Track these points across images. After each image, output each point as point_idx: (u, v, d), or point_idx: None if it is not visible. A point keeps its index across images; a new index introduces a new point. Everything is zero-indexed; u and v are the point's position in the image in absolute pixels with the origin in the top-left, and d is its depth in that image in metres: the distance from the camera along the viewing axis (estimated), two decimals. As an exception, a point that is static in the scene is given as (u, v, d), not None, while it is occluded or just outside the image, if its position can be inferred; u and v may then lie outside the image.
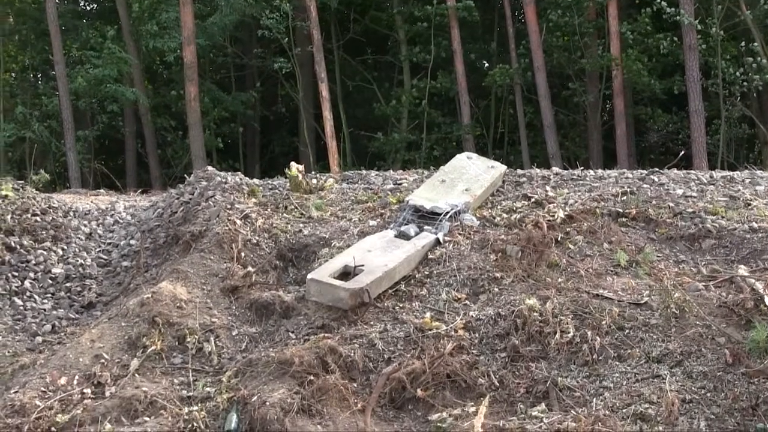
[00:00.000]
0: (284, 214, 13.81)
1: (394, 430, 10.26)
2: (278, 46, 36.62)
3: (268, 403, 10.10)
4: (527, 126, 37.04)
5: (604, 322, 11.07)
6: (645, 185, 14.43)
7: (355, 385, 10.63)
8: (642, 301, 11.57)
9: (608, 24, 34.43)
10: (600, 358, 10.75)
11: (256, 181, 15.25)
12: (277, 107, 40.97)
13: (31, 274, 13.27)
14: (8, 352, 11.86)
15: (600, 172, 16.01)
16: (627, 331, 11.07)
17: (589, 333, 10.94)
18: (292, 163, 15.47)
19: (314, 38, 34.33)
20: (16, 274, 13.22)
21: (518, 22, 37.76)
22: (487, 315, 11.45)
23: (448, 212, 13.04)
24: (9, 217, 13.73)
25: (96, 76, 34.23)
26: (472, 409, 10.28)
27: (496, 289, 11.90)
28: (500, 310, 11.47)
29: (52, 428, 10.12)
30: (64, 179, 34.16)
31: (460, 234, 12.86)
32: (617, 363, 10.69)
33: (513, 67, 36.56)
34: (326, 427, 10.06)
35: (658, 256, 12.83)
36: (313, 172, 17.17)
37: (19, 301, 12.81)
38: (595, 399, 10.21)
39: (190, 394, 10.75)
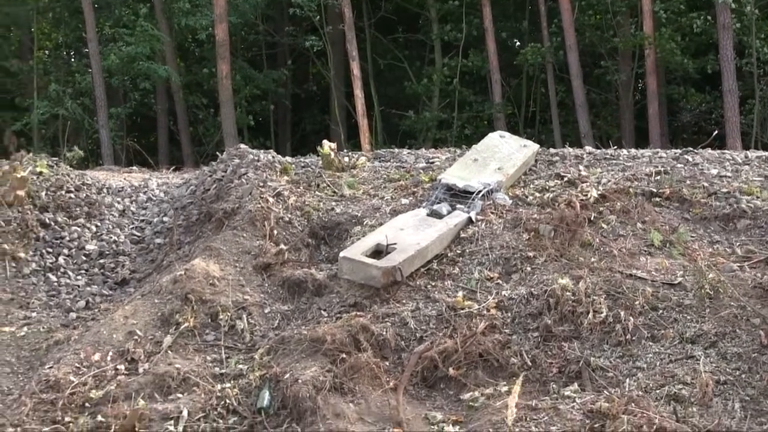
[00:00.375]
0: (316, 192, 13.79)
1: (426, 409, 10.27)
2: (309, 24, 36.61)
3: (300, 381, 10.09)
4: (559, 105, 36.94)
5: (637, 302, 11.02)
6: (679, 165, 14.34)
7: (387, 363, 10.62)
8: (676, 282, 11.51)
9: (641, 2, 34.22)
10: (633, 338, 10.71)
11: (288, 159, 15.23)
12: (309, 85, 40.98)
13: (65, 251, 13.32)
14: (43, 327, 11.91)
15: (633, 151, 15.90)
16: (660, 311, 11.02)
17: (622, 313, 10.90)
18: (325, 141, 15.43)
19: (346, 16, 34.27)
20: (51, 250, 13.27)
21: (550, 0, 37.56)
22: (520, 294, 11.42)
23: (480, 191, 13.00)
24: (44, 193, 13.78)
25: (129, 54, 34.31)
26: (505, 388, 10.25)
27: (529, 269, 11.86)
28: (533, 289, 11.44)
29: (86, 404, 10.16)
30: (97, 156, 34.21)
31: (492, 213, 12.82)
32: (651, 343, 10.65)
33: (545, 46, 36.45)
34: (358, 405, 10.05)
35: (692, 237, 12.76)
36: (345, 151, 17.13)
37: (53, 278, 12.87)
38: (628, 379, 10.18)
39: (223, 371, 10.77)
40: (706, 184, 13.99)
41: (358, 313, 11.23)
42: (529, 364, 10.57)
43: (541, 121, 39.38)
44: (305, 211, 13.22)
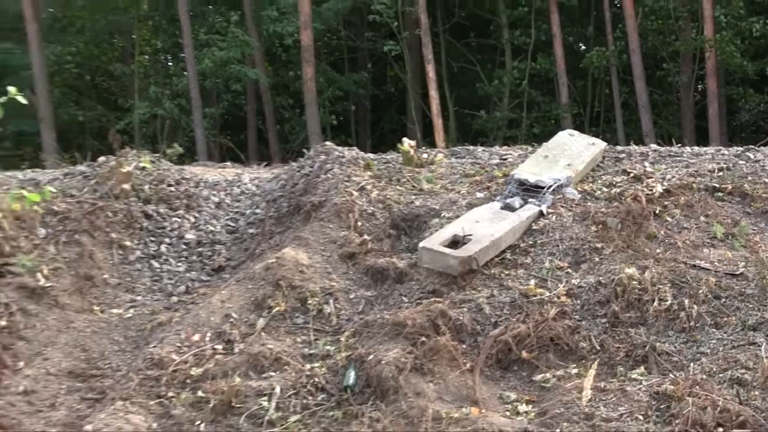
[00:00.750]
0: (397, 187, 13.77)
1: (500, 389, 10.23)
2: (388, 30, 36.62)
3: (383, 362, 10.09)
4: (622, 105, 36.71)
5: (700, 291, 10.95)
6: (741, 162, 14.18)
7: (464, 346, 10.59)
8: (738, 272, 11.41)
9: (702, 8, 33.93)
10: (697, 325, 10.64)
11: (370, 155, 15.20)
12: (387, 87, 40.98)
13: (167, 240, 13.40)
14: (147, 310, 12.01)
15: (696, 149, 15.74)
16: (723, 299, 10.95)
17: (686, 301, 10.82)
18: (405, 139, 15.41)
19: (422, 22, 34.26)
20: (154, 239, 13.35)
21: (614, 6, 37.35)
22: (589, 283, 11.35)
23: (551, 186, 12.92)
24: (147, 187, 13.86)
25: (221, 58, 34.54)
26: (575, 371, 10.22)
27: (597, 259, 11.78)
28: (601, 278, 11.36)
29: (187, 380, 10.21)
30: (192, 153, 34.36)
31: (562, 206, 12.75)
32: (714, 330, 10.59)
33: (609, 50, 36.25)
34: (437, 385, 10.03)
35: (753, 229, 12.66)
36: (422, 148, 17.07)
37: (156, 264, 12.96)
38: (692, 364, 10.11)
39: (312, 351, 10.79)
40: (767, 180, 13.84)
41: (437, 300, 11.20)
42: (598, 348, 10.51)
43: (605, 120, 39.12)
44: (387, 204, 13.20)
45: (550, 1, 35.64)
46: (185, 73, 36.19)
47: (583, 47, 38.93)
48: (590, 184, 13.45)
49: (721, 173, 13.71)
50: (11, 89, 6.33)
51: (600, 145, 14.47)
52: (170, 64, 39.60)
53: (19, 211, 12.15)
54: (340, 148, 14.91)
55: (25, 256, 12.03)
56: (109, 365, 11.04)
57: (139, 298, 12.33)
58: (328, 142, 15.66)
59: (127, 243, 13.10)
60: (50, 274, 12.00)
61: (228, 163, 19.62)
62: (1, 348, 10.82)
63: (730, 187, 13.30)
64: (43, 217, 12.48)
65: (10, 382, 10.58)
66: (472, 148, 16.02)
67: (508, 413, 9.75)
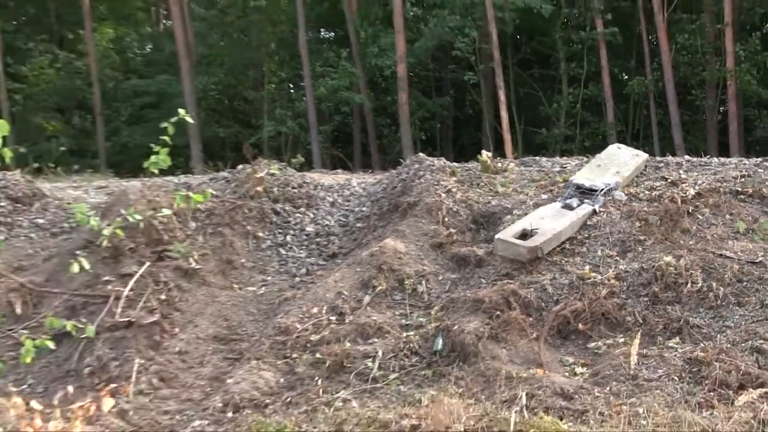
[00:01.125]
0: (477, 189, 13.73)
1: (560, 354, 10.18)
2: (467, 63, 36.51)
3: (465, 331, 10.07)
4: (658, 124, 36.30)
5: (726, 276, 10.83)
6: (759, 170, 13.91)
7: (531, 319, 10.54)
8: (757, 260, 11.25)
9: (724, 44, 33.44)
10: (723, 303, 10.54)
11: (454, 164, 15.16)
12: (465, 109, 40.85)
13: (291, 232, 13.47)
14: (275, 288, 12.10)
15: (722, 159, 15.50)
16: (745, 283, 10.82)
17: (714, 284, 10.72)
18: (483, 151, 15.40)
19: (495, 57, 34.12)
20: (281, 231, 13.44)
21: (651, 44, 36.87)
22: (633, 268, 11.24)
23: (602, 189, 12.81)
24: (275, 189, 13.96)
25: (333, 86, 34.68)
26: (621, 340, 10.15)
27: (640, 249, 11.66)
28: (643, 264, 11.24)
29: (308, 344, 10.28)
30: (309, 162, 34.56)
31: (612, 206, 12.63)
32: (737, 308, 10.48)
33: (647, 79, 35.85)
34: (509, 351, 10.01)
35: (770, 226, 12.54)
36: (497, 158, 16.99)
37: (283, 251, 13.04)
38: (719, 335, 10.02)
39: (407, 322, 10.80)
40: (781, 185, 13.67)
41: (509, 281, 11.17)
42: (641, 321, 10.43)
43: (644, 136, 38.65)
44: (468, 204, 13.17)
45: (599, 39, 35.31)
46: (304, 98, 36.35)
47: (626, 77, 38.47)
48: (635, 188, 13.30)
49: (743, 179, 13.48)
50: (181, 111, 6.41)
51: (643, 156, 14.32)
52: (292, 91, 39.80)
53: (175, 208, 12.31)
54: (430, 158, 14.90)
55: (180, 244, 12.18)
56: (246, 332, 11.15)
57: (269, 278, 12.43)
58: (421, 154, 15.64)
59: (260, 234, 13.21)
60: (199, 259, 12.15)
61: (339, 171, 19.71)
62: (161, 317, 10.98)
63: (751, 191, 13.07)
64: (194, 213, 12.63)
65: (169, 344, 10.73)
66: (537, 158, 15.94)
67: (566, 374, 9.70)
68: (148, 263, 11.64)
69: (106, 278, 11.34)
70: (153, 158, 6.27)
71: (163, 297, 11.31)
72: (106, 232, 6.56)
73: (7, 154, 5.48)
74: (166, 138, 6.20)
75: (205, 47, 38.47)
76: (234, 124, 38.11)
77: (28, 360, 5.37)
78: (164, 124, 6.18)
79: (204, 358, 10.64)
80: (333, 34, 40.45)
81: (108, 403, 4.94)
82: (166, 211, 11.43)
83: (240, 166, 15.13)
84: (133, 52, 41.21)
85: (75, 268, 6.19)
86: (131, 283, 11.25)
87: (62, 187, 15.16)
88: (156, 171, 6.38)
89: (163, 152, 6.35)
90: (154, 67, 39.52)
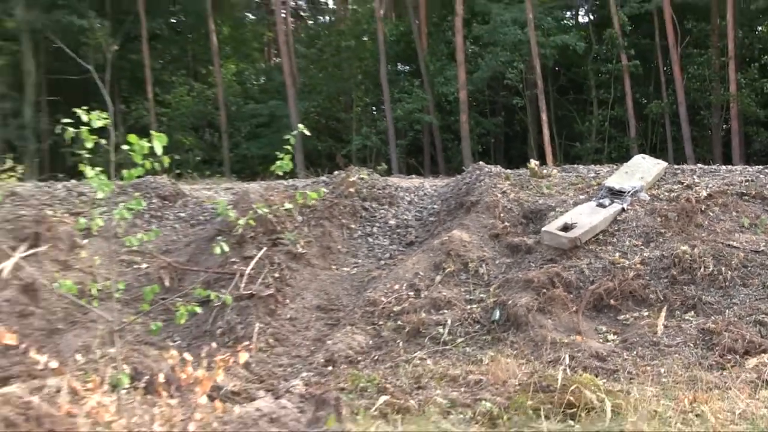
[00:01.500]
0: (526, 191, 13.60)
1: (595, 325, 10.06)
2: (515, 89, 36.16)
3: (518, 305, 10.03)
4: (672, 139, 35.59)
5: (733, 262, 10.66)
6: (761, 176, 13.51)
7: (571, 296, 10.44)
8: (759, 249, 11.06)
9: (728, 74, 32.75)
10: (730, 284, 10.39)
11: (507, 170, 15.04)
12: (514, 126, 40.41)
13: (377, 224, 13.48)
14: (365, 269, 12.13)
15: (730, 167, 15.19)
16: (749, 268, 10.65)
17: (723, 268, 10.56)
18: (531, 160, 15.33)
19: (538, 85, 33.79)
20: (369, 223, 13.45)
21: (667, 74, 36.21)
22: (655, 255, 11.07)
23: (630, 191, 12.60)
24: (364, 190, 13.99)
25: (408, 109, 34.64)
26: (646, 313, 10.06)
27: (661, 240, 11.46)
28: (664, 252, 11.06)
29: (391, 314, 10.31)
30: (389, 170, 34.62)
31: (637, 205, 12.42)
32: (742, 288, 10.34)
33: (664, 102, 35.22)
34: (554, 321, 9.94)
35: (770, 222, 12.30)
36: (542, 166, 16.82)
37: (370, 240, 13.05)
38: (727, 310, 9.88)
39: (471, 297, 10.77)
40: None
41: (553, 265, 11.08)
42: (662, 299, 10.28)
43: (660, 149, 37.78)
44: (520, 202, 13.05)
45: (623, 71, 34.75)
46: (385, 118, 36.29)
47: (646, 100, 37.74)
48: (656, 190, 13.07)
49: (747, 183, 13.15)
50: (300, 126, 6.44)
51: (663, 164, 14.08)
52: (375, 112, 39.76)
53: (297, 203, 12.44)
54: (488, 166, 14.81)
55: (290, 233, 12.26)
56: (341, 303, 11.20)
57: (359, 261, 12.45)
58: (481, 162, 15.55)
59: (352, 226, 13.24)
60: (305, 245, 12.22)
61: (413, 176, 19.68)
62: (275, 290, 11.07)
63: (754, 192, 12.74)
64: (300, 208, 12.69)
65: (281, 312, 10.83)
66: (575, 166, 15.76)
67: (600, 340, 9.61)
68: (265, 248, 11.77)
69: (233, 260, 11.48)
70: (278, 163, 6.30)
71: (276, 275, 11.42)
72: (241, 221, 6.62)
73: (166, 160, 5.57)
74: (288, 147, 6.23)
75: (306, 78, 38.65)
76: (329, 139, 38.17)
77: (182, 321, 5.43)
78: (287, 136, 6.21)
79: (309, 323, 10.72)
80: (407, 67, 40.32)
81: (243, 356, 4.97)
82: (288, 205, 11.55)
83: (336, 172, 15.21)
84: (251, 82, 41.55)
85: (217, 250, 6.25)
86: (252, 263, 11.38)
87: (198, 189, 15.40)
88: (280, 173, 6.40)
89: (287, 158, 6.37)
90: (267, 94, 39.78)
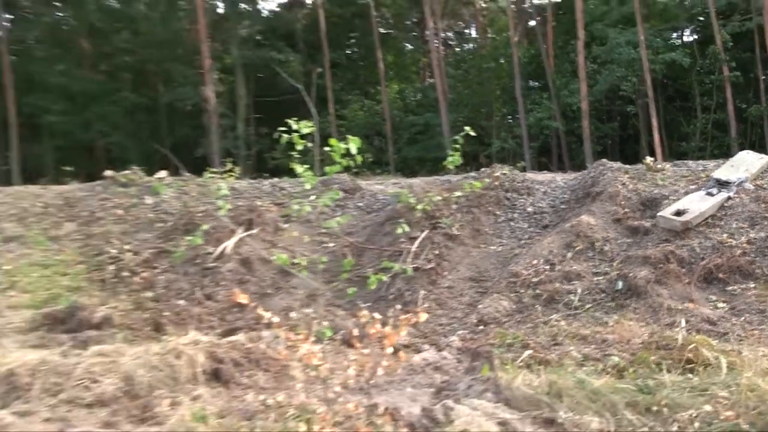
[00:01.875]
0: (643, 183, 13.01)
1: (706, 295, 9.54)
2: (629, 99, 34.83)
3: (638, 277, 9.65)
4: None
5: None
6: None
7: (684, 270, 9.92)
8: None
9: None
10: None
11: (627, 166, 14.46)
12: (628, 130, 38.84)
13: (517, 211, 13.25)
14: (508, 247, 11.89)
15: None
16: None
17: (820, 245, 9.78)
18: (647, 157, 14.69)
19: (649, 95, 32.46)
20: (510, 210, 13.23)
21: (765, 82, 33.92)
22: (760, 236, 10.37)
23: (735, 181, 11.88)
24: (506, 183, 13.80)
25: (538, 117, 34.12)
26: (752, 285, 9.46)
27: (765, 223, 10.72)
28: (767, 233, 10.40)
29: (530, 284, 10.12)
30: (524, 167, 34.07)
31: (742, 194, 11.67)
32: (841, 264, 9.53)
33: (762, 106, 33.07)
34: (669, 291, 9.48)
35: None
36: (656, 162, 16.09)
37: (512, 223, 12.82)
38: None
39: (597, 271, 10.42)
40: None
41: (668, 244, 10.55)
42: (766, 273, 9.62)
43: (759, 146, 35.55)
44: (638, 192, 12.52)
45: (725, 81, 32.83)
46: (519, 125, 35.76)
47: (745, 105, 35.55)
48: (760, 181, 12.23)
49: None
50: (467, 127, 6.44)
51: (766, 158, 13.15)
52: (511, 120, 39.15)
53: (465, 191, 12.47)
54: (610, 162, 14.31)
55: (446, 218, 12.22)
56: (489, 275, 11.07)
57: (503, 241, 12.26)
58: (603, 159, 15.07)
59: (497, 212, 13.05)
60: (459, 228, 12.14)
61: (545, 172, 19.24)
62: (435, 265, 11.07)
63: None
64: (457, 198, 12.64)
65: (441, 282, 10.82)
66: (685, 162, 14.96)
67: (711, 308, 9.11)
68: (426, 231, 11.78)
69: (401, 240, 11.55)
70: (449, 159, 6.32)
71: (436, 252, 11.41)
72: (419, 207, 6.67)
73: (359, 158, 5.68)
74: (457, 146, 6.23)
75: (454, 94, 38.47)
76: (473, 143, 37.97)
77: (372, 287, 5.55)
78: (456, 137, 6.21)
79: (463, 291, 10.67)
80: (537, 83, 39.33)
81: (423, 316, 4.96)
82: (458, 193, 11.59)
83: (482, 169, 15.06)
84: (410, 99, 41.71)
85: (399, 230, 6.34)
86: (416, 243, 11.43)
87: (371, 184, 15.57)
88: (451, 167, 6.42)
89: (456, 155, 6.40)
90: (423, 108, 39.80)
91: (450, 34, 48.33)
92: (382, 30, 39.85)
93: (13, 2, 35.21)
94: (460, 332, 9.14)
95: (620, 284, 9.83)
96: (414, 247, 11.29)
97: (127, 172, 15.36)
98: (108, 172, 15.43)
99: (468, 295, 10.51)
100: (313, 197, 10.91)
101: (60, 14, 37.39)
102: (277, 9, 41.77)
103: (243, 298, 4.64)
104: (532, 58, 37.99)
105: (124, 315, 9.61)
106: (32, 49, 35.69)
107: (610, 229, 11.49)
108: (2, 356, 6.62)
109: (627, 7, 34.42)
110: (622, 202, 12.15)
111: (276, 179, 15.93)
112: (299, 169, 5.76)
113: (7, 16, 34.81)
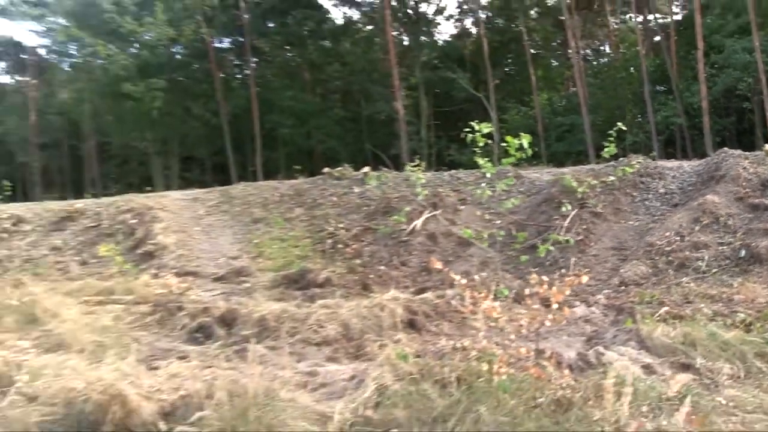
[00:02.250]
0: (762, 166, 11.28)
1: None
2: (744, 96, 30.63)
3: (759, 246, 8.76)
4: None
5: None
6: None
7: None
8: None
9: None
10: None
11: (746, 153, 12.84)
12: (743, 124, 33.87)
13: (651, 192, 11.94)
14: (644, 222, 11.00)
15: None
16: None
17: None
18: (765, 144, 12.95)
19: (764, 93, 28.60)
20: (645, 192, 12.07)
21: None
22: None
23: None
24: (641, 169, 12.64)
25: (664, 116, 31.33)
26: None
27: None
28: None
29: (664, 252, 9.44)
30: (654, 158, 31.33)
31: None
32: None
33: None
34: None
35: None
36: None
37: (647, 203, 11.53)
38: None
39: (721, 241, 9.50)
40: None
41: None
42: None
43: None
44: (758, 174, 11.10)
45: None
46: (648, 122, 32.85)
47: None
48: None
49: None
50: (619, 123, 5.97)
51: None
52: (640, 119, 35.97)
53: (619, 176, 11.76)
54: (731, 150, 12.85)
55: (592, 199, 11.51)
56: (628, 245, 10.37)
57: (640, 216, 11.37)
58: (725, 147, 13.53)
59: (634, 194, 12.05)
60: (602, 207, 11.43)
61: (672, 160, 17.61)
62: (584, 237, 10.59)
63: None
64: (609, 182, 11.78)
65: (588, 251, 10.35)
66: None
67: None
68: (575, 210, 11.26)
69: (555, 217, 11.17)
70: (606, 149, 5.99)
71: (584, 227, 10.91)
72: (579, 189, 6.38)
73: (529, 151, 5.56)
74: (611, 140, 5.90)
75: (593, 100, 36.22)
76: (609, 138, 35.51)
77: (542, 254, 5.41)
78: (610, 132, 5.87)
79: (606, 258, 10.12)
80: (663, 87, 36.01)
81: (584, 278, 4.78)
82: (611, 178, 10.98)
83: (621, 158, 14.03)
84: (557, 104, 39.92)
85: (563, 208, 6.09)
86: (568, 219, 10.99)
87: (530, 173, 14.90)
88: (608, 156, 6.07)
89: (611, 146, 6.11)
90: (568, 111, 37.76)
91: (588, 51, 45.62)
92: (532, 51, 38.75)
93: (257, 48, 38.04)
94: (605, 292, 8.70)
95: (743, 252, 8.88)
96: (566, 223, 10.87)
97: (339, 168, 15.95)
98: (326, 170, 16.10)
99: (611, 261, 9.95)
100: (483, 185, 10.81)
101: (289, 54, 39.81)
102: (450, 39, 42.00)
103: (437, 264, 4.71)
104: (658, 67, 35.02)
105: (340, 277, 10.05)
106: (270, 81, 38.32)
107: (733, 206, 10.36)
108: (256, 305, 7.24)
109: (742, 19, 30.56)
110: (743, 183, 10.91)
111: (453, 171, 15.87)
112: (481, 161, 5.71)
113: (254, 59, 37.50)
